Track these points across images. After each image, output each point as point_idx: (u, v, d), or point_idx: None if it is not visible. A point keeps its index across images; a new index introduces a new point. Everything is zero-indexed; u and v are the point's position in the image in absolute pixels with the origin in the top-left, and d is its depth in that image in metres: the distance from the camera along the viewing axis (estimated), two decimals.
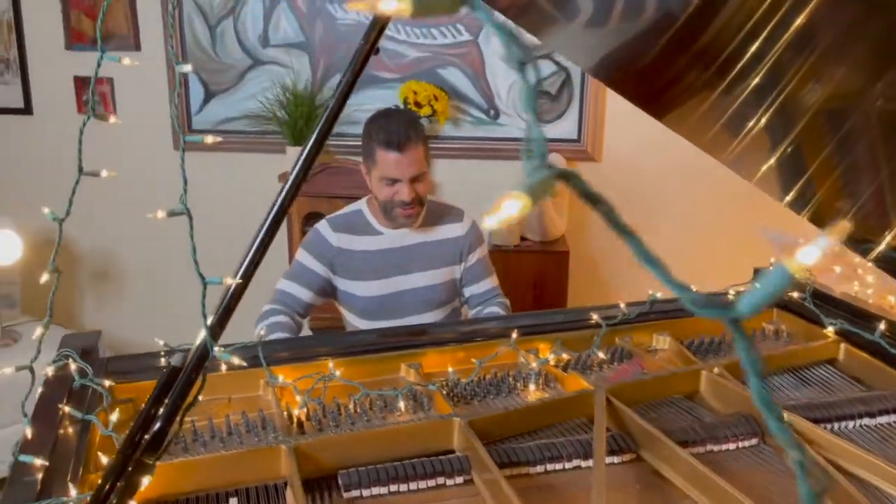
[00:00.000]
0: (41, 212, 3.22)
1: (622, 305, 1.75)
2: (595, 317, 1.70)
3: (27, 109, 3.32)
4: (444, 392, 1.43)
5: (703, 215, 3.24)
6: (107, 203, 3.36)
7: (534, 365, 1.54)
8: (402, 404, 1.40)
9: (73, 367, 1.27)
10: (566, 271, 2.98)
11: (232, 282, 0.92)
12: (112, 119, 1.03)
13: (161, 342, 1.52)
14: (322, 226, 2.08)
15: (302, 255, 2.06)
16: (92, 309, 3.54)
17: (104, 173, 1.00)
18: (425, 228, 2.09)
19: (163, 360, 1.51)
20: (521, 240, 3.01)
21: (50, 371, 1.28)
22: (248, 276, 0.94)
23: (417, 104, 2.90)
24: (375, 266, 2.05)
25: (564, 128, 3.11)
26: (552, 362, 1.56)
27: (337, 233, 2.05)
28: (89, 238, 3.42)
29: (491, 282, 2.18)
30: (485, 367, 1.50)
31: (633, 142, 3.13)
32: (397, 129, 1.91)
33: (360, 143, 3.17)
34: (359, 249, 2.05)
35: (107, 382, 1.31)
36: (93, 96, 0.85)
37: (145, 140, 3.26)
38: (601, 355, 1.61)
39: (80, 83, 3.23)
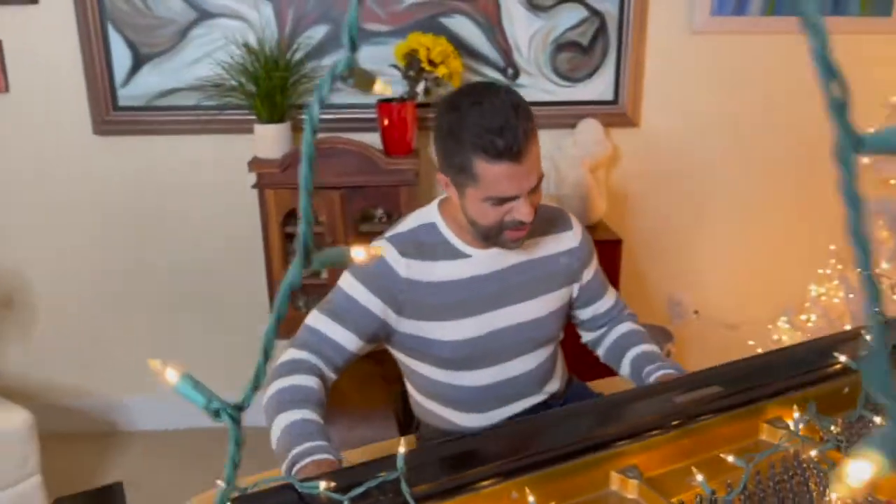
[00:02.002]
0: None
1: (868, 337, 1.23)
2: (842, 358, 1.17)
3: None
4: None
5: (764, 191, 2.77)
6: (8, 208, 2.54)
7: (814, 453, 1.00)
8: None
9: None
10: (618, 265, 2.45)
11: None
12: (378, 87, 0.39)
13: None
14: (385, 247, 1.44)
15: (352, 287, 1.42)
16: None
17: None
18: (528, 243, 1.50)
19: None
20: None
21: None
22: None
23: (431, 63, 2.25)
24: (463, 301, 1.44)
25: (599, 87, 2.55)
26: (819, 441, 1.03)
27: (406, 258, 1.41)
28: None
29: (612, 296, 1.65)
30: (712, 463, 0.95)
31: (675, 104, 2.62)
32: (506, 124, 1.23)
33: (355, 118, 2.57)
34: (437, 280, 1.43)
35: None
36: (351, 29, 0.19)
37: (52, 123, 2.45)
38: (877, 421, 1.09)
39: None
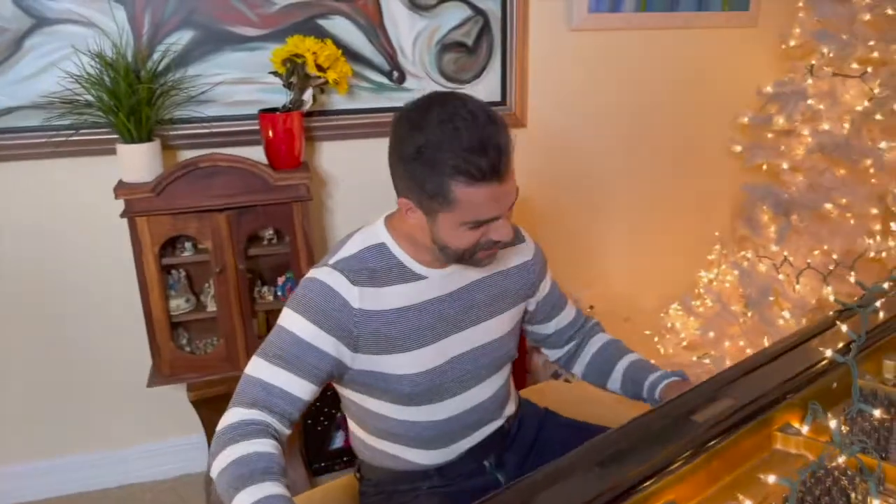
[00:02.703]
0: None
1: (846, 331, 1.23)
2: (828, 353, 1.16)
3: None
4: None
5: (650, 183, 2.82)
6: None
7: (841, 460, 0.97)
8: None
9: None
10: None
11: None
12: None
13: None
14: (331, 277, 1.25)
15: (301, 327, 1.23)
16: None
17: None
18: None
19: None
20: None
21: None
22: None
23: (320, 68, 2.07)
24: (422, 327, 1.30)
25: (486, 87, 2.48)
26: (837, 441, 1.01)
27: (358, 286, 1.25)
28: None
29: (572, 307, 1.60)
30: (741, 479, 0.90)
31: (559, 102, 2.60)
32: (488, 141, 1.10)
33: (234, 131, 2.26)
34: (394, 307, 1.28)
35: None
36: None
37: None
38: (876, 414, 1.09)
39: None
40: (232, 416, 1.18)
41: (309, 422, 2.50)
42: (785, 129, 2.39)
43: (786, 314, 2.30)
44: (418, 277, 1.30)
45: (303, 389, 1.21)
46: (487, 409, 1.43)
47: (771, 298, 2.29)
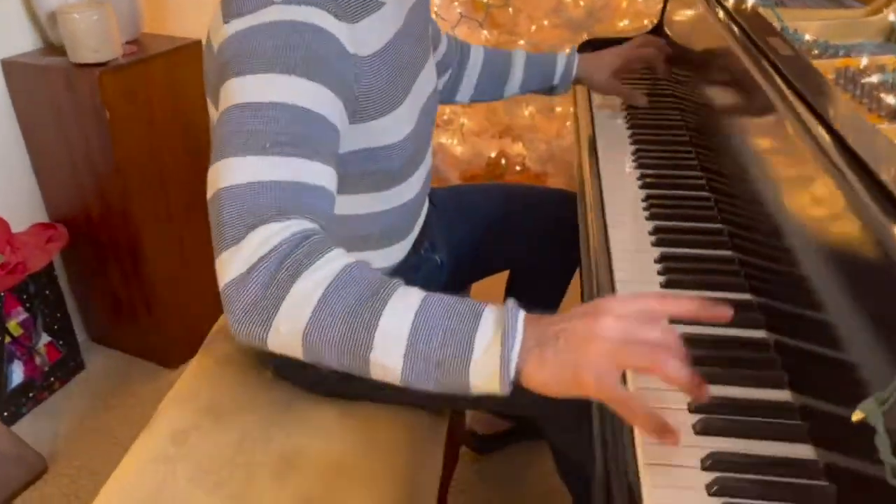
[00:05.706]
0: None
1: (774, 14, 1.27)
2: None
3: None
4: None
5: None
6: None
7: None
8: None
9: None
10: None
11: None
12: None
13: None
14: (308, 12, 0.79)
15: (298, 90, 0.75)
16: None
17: None
18: None
19: None
20: (126, 45, 1.75)
21: None
22: None
23: None
24: (398, 72, 0.95)
25: None
26: None
27: (343, 21, 0.83)
28: None
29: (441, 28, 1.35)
30: None
31: None
32: None
33: None
34: (375, 50, 0.90)
35: None
36: None
37: None
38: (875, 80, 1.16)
39: None
40: (259, 240, 0.65)
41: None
42: None
43: None
44: (378, 4, 0.92)
45: (331, 179, 0.77)
46: (429, 180, 1.18)
47: None
